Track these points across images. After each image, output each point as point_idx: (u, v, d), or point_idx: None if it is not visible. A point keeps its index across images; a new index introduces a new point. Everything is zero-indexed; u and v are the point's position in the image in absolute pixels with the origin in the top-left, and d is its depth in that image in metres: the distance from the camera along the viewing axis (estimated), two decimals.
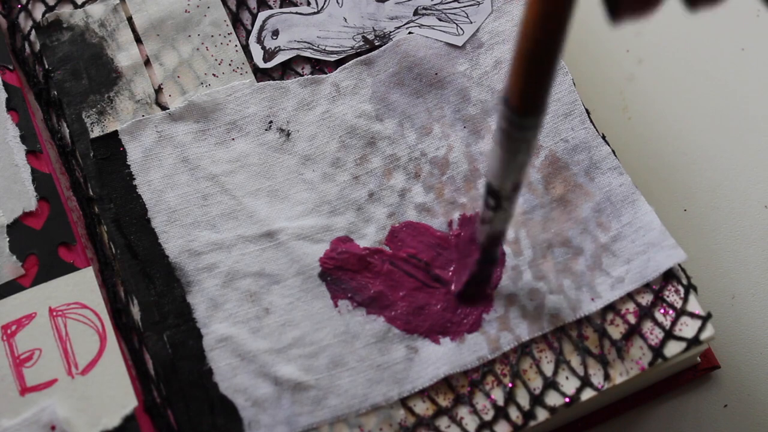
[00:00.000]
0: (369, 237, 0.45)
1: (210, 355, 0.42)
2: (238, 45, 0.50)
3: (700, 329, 0.42)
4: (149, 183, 0.46)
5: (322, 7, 0.50)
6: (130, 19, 0.50)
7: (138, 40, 0.50)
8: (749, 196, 0.52)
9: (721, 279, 0.50)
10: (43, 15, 0.50)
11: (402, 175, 0.46)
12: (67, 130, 0.47)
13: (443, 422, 0.41)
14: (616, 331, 0.42)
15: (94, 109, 0.47)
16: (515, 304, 0.43)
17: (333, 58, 0.49)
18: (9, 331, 0.42)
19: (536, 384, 0.41)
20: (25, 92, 0.49)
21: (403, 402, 0.41)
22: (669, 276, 0.43)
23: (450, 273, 0.44)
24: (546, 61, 0.32)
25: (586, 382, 0.41)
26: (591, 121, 0.47)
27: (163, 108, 0.48)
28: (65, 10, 0.50)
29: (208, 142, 0.47)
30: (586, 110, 0.47)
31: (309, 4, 0.51)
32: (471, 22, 0.50)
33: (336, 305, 0.43)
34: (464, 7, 0.50)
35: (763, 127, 0.54)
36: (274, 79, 0.49)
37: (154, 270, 0.44)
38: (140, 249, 0.44)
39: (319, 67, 0.49)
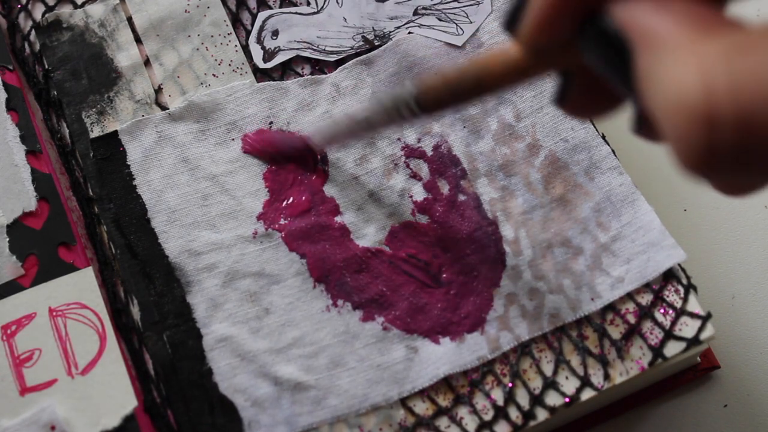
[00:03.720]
0: (369, 237, 0.45)
1: (210, 355, 0.42)
2: (238, 45, 0.50)
3: (700, 329, 0.42)
4: (149, 183, 0.46)
5: (322, 7, 0.50)
6: (129, 19, 0.50)
7: (138, 40, 0.50)
8: (749, 196, 0.52)
9: (721, 279, 0.50)
10: (43, 15, 0.50)
11: (402, 175, 0.46)
12: (67, 130, 0.47)
13: (443, 422, 0.41)
14: (615, 331, 0.42)
15: (94, 109, 0.47)
16: (515, 303, 0.43)
17: (333, 58, 0.49)
18: (9, 331, 0.42)
19: (536, 384, 0.41)
20: (24, 92, 0.49)
21: (403, 402, 0.41)
22: (669, 276, 0.43)
23: (445, 271, 0.44)
24: (471, 98, 0.34)
25: (586, 382, 0.41)
26: (591, 121, 0.47)
27: (163, 108, 0.48)
28: (65, 10, 0.50)
29: (208, 142, 0.47)
30: None
31: (309, 4, 0.51)
32: (471, 22, 0.50)
33: (336, 305, 0.43)
34: (464, 6, 0.50)
35: None
36: (274, 80, 0.49)
37: (154, 270, 0.44)
38: (140, 249, 0.44)
39: (319, 67, 0.49)
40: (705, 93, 0.22)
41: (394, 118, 0.37)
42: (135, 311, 0.43)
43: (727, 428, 0.46)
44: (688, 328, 0.42)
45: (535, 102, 0.47)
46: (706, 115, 0.22)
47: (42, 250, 0.44)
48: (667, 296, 0.43)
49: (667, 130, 0.24)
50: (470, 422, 0.41)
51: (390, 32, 0.50)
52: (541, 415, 0.41)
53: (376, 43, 0.50)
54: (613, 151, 0.46)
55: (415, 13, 0.50)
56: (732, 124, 0.22)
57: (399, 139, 0.47)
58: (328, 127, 0.43)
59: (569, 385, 0.41)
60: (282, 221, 0.45)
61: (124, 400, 0.41)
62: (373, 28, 0.50)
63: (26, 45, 0.50)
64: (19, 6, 0.51)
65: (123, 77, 0.48)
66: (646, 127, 0.28)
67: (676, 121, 0.23)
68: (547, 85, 0.48)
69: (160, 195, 0.45)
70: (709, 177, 0.24)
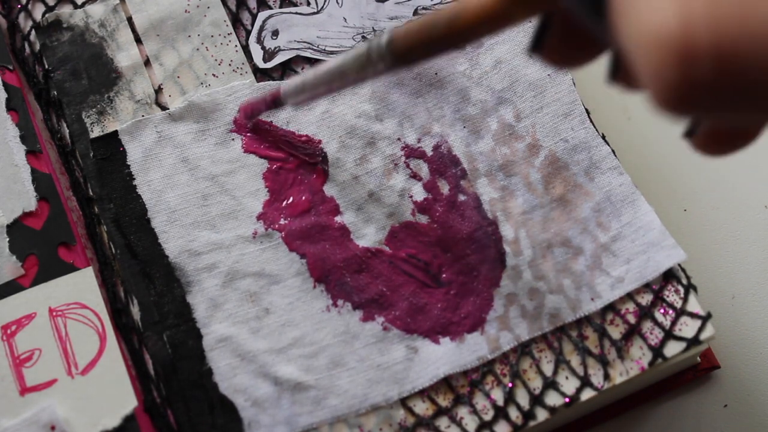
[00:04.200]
0: (369, 237, 0.45)
1: (210, 355, 0.42)
2: (238, 45, 0.50)
3: (700, 329, 0.42)
4: (149, 183, 0.46)
5: (322, 7, 0.50)
6: (130, 20, 0.50)
7: (138, 40, 0.50)
8: (749, 196, 0.52)
9: (721, 279, 0.50)
10: (43, 15, 0.50)
11: (402, 175, 0.46)
12: (67, 130, 0.47)
13: (443, 422, 0.41)
14: (616, 331, 0.42)
15: (94, 109, 0.47)
16: (515, 303, 0.43)
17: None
18: (9, 331, 0.43)
19: (536, 384, 0.41)
20: (25, 92, 0.49)
21: (403, 402, 0.41)
22: (669, 276, 0.43)
23: (445, 271, 0.44)
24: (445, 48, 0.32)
25: (586, 382, 0.41)
26: (591, 121, 0.47)
27: (163, 108, 0.48)
28: (65, 10, 0.50)
29: (208, 142, 0.47)
30: (586, 110, 0.48)
31: (309, 4, 0.51)
32: None
33: (336, 305, 0.43)
34: None
35: None
36: (274, 79, 0.49)
37: (154, 270, 0.44)
38: (140, 249, 0.44)
39: None
40: (683, 25, 0.21)
41: (367, 67, 0.36)
42: (135, 311, 0.43)
43: (727, 428, 0.46)
44: (688, 328, 0.42)
45: (535, 102, 0.47)
46: (684, 49, 0.21)
47: (42, 250, 0.44)
48: (667, 296, 0.43)
49: (642, 67, 0.23)
50: (470, 422, 0.41)
51: None
52: (541, 415, 0.41)
53: None
54: (613, 151, 0.46)
55: (415, 13, 0.50)
56: (710, 58, 0.21)
57: (399, 139, 0.47)
58: (300, 77, 0.42)
59: (569, 385, 0.41)
60: (282, 221, 0.45)
61: (124, 400, 0.41)
62: (373, 28, 0.50)
63: (26, 45, 0.50)
64: (19, 6, 0.51)
65: (123, 77, 0.48)
66: (622, 73, 0.27)
67: (653, 56, 0.22)
68: (548, 86, 0.48)
69: (160, 195, 0.45)
70: (687, 116, 0.23)
